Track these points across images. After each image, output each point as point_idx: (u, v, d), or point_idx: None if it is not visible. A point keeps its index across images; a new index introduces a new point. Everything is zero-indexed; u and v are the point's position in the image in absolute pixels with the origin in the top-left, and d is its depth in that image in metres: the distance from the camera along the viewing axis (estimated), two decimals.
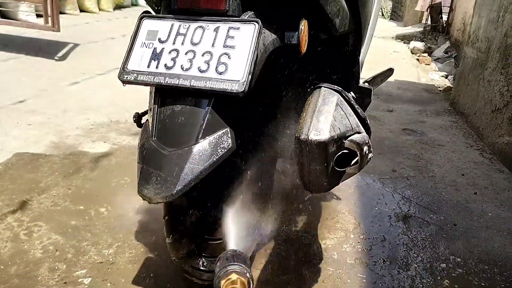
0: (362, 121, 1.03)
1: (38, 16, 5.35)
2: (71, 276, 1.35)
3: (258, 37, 0.84)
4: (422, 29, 8.48)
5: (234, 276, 0.84)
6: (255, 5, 0.92)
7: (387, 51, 6.76)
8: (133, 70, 0.88)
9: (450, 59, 6.33)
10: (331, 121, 0.92)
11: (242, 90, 0.80)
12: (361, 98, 1.57)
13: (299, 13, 0.97)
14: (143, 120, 1.36)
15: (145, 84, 0.87)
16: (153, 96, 0.91)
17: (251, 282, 0.85)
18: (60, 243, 1.51)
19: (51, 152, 2.18)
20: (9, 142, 2.25)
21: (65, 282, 1.32)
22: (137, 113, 1.36)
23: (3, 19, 4.22)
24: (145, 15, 0.93)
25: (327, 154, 0.93)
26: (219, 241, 1.02)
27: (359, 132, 0.99)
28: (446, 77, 5.38)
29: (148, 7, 1.11)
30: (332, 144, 0.91)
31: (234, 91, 0.81)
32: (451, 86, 4.62)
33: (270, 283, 1.39)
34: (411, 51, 7.09)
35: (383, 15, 12.85)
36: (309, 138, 0.89)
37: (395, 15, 12.29)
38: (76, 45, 4.49)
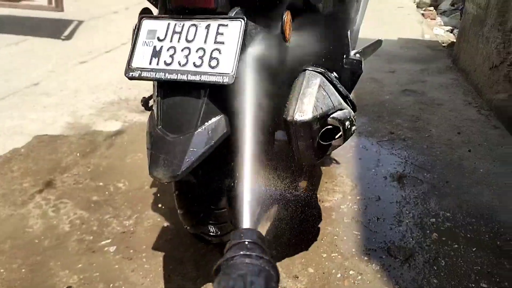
0: (345, 98, 1.15)
1: None
2: (97, 246, 1.53)
3: (244, 32, 0.95)
4: None
5: None
6: (241, 0, 1.02)
7: (391, 6, 6.66)
8: (137, 67, 1.00)
9: (456, 12, 6.23)
10: (314, 102, 1.03)
11: (232, 82, 0.92)
12: (352, 69, 1.67)
13: (283, 4, 1.07)
14: (151, 103, 1.49)
15: (148, 79, 0.99)
16: (156, 89, 1.03)
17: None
18: (85, 217, 1.68)
19: (68, 133, 2.34)
20: (28, 125, 2.41)
21: (93, 251, 1.51)
22: (144, 97, 1.50)
23: (5, 2, 4.28)
24: (144, 16, 1.04)
25: (312, 131, 1.05)
26: (223, 210, 1.17)
27: (341, 109, 1.11)
28: (451, 32, 5.33)
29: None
30: (315, 122, 1.04)
31: (225, 83, 0.93)
32: (455, 41, 4.61)
33: (272, 243, 1.55)
34: (416, 5, 6.97)
35: None
36: (294, 119, 1.02)
37: None
38: (80, 22, 4.56)
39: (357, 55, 1.73)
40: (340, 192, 1.87)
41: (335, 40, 1.48)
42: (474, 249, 1.54)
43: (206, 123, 0.97)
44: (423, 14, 6.32)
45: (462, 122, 2.64)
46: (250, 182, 0.89)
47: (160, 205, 1.75)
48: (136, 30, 1.03)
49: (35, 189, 1.85)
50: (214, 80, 0.93)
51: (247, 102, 0.97)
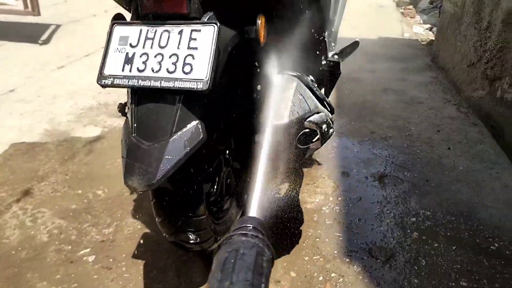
0: (321, 101, 1.14)
1: None
2: (76, 256, 1.50)
3: (217, 37, 0.94)
4: None
5: None
6: (214, 5, 1.00)
7: (371, 5, 6.73)
8: (109, 75, 0.98)
9: (435, 10, 6.31)
10: (291, 106, 1.03)
11: (207, 88, 0.91)
12: (331, 70, 1.67)
13: (256, 8, 1.06)
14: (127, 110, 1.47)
15: (121, 87, 0.97)
16: (130, 96, 1.01)
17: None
18: (64, 226, 1.65)
19: (45, 140, 2.29)
20: (5, 133, 2.35)
21: (72, 262, 1.48)
22: (121, 103, 1.47)
23: None
24: (116, 22, 1.02)
25: (289, 135, 1.04)
26: (202, 217, 1.16)
27: (318, 112, 1.10)
28: (430, 30, 5.40)
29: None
30: (292, 126, 1.03)
31: (200, 89, 0.91)
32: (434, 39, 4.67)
33: None
34: (396, 4, 7.05)
35: None
36: (271, 123, 1.01)
37: None
38: (58, 26, 4.49)
39: (335, 56, 1.74)
40: (321, 193, 1.87)
41: (312, 42, 1.48)
42: (454, 248, 1.56)
43: (181, 130, 0.95)
44: (402, 13, 6.39)
45: (441, 120, 2.67)
46: (261, 177, 1.00)
47: (140, 213, 1.72)
48: (108, 36, 1.01)
49: (12, 198, 1.81)
50: (188, 86, 0.92)
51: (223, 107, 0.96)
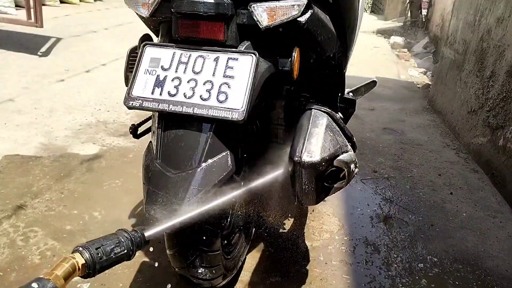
0: (349, 139, 1.12)
1: (18, 7, 5.26)
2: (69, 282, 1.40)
3: (255, 68, 0.91)
4: (402, 23, 8.63)
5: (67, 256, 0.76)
6: (251, 34, 0.98)
7: (367, 46, 6.88)
8: (138, 97, 0.94)
9: (429, 55, 6.49)
10: (322, 143, 0.99)
11: (242, 118, 0.87)
12: (345, 108, 1.66)
13: (292, 40, 1.04)
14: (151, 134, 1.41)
15: (150, 110, 0.93)
16: (156, 120, 0.96)
17: (83, 261, 0.75)
18: (57, 248, 1.56)
19: (41, 154, 2.21)
20: None
21: None
22: (133, 124, 1.42)
23: None
24: (148, 42, 0.98)
25: (318, 173, 1.01)
26: (217, 252, 1.09)
27: (346, 151, 1.07)
28: (424, 74, 5.53)
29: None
30: (323, 164, 0.99)
31: (235, 119, 0.88)
32: (429, 83, 4.77)
33: (259, 285, 1.47)
34: (391, 46, 7.24)
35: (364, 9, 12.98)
36: (302, 160, 0.97)
37: (376, 8, 12.44)
38: (58, 39, 4.44)
39: (350, 94, 1.73)
40: (327, 231, 1.82)
41: (333, 79, 1.47)
42: None
43: (210, 160, 0.91)
44: (397, 55, 6.55)
45: (442, 164, 2.67)
46: None
47: None
48: (138, 57, 0.97)
49: (3, 214, 1.71)
50: (223, 116, 0.88)
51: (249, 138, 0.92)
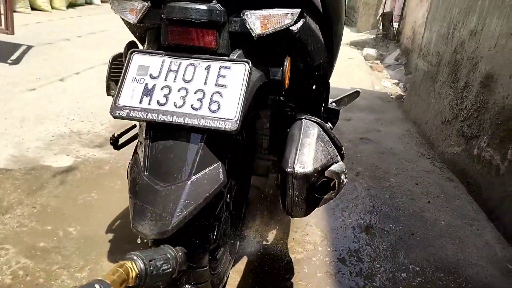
0: (339, 149, 1.10)
1: None
2: None
3: (248, 77, 0.88)
4: (374, 36, 8.84)
5: (121, 263, 0.76)
6: (243, 42, 0.96)
7: (342, 58, 6.99)
8: (125, 106, 0.89)
9: (401, 67, 6.66)
10: (314, 153, 0.98)
11: (236, 128, 0.84)
12: (329, 118, 1.66)
13: (283, 49, 1.03)
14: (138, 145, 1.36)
15: (138, 120, 0.89)
16: (143, 131, 0.92)
17: (141, 268, 0.75)
18: (30, 267, 1.47)
19: (12, 167, 2.10)
20: None
21: None
22: (114, 135, 1.37)
23: None
24: (135, 50, 0.94)
25: (309, 184, 0.99)
26: (204, 269, 1.05)
27: (336, 161, 1.06)
28: (397, 85, 5.66)
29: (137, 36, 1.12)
30: (315, 174, 0.97)
31: (228, 129, 0.85)
32: (402, 94, 4.88)
33: None
34: (364, 58, 7.38)
35: None
36: (295, 171, 0.95)
37: (349, 21, 12.70)
38: (29, 47, 4.30)
39: (333, 104, 1.73)
40: (310, 242, 1.80)
41: (319, 88, 1.47)
42: None
43: (201, 172, 0.87)
44: (371, 67, 6.69)
45: (418, 173, 2.71)
46: None
47: (118, 255, 1.57)
48: (125, 64, 0.93)
49: None
50: (215, 126, 0.85)
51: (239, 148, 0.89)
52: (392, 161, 2.86)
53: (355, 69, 6.21)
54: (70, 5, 8.00)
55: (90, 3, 9.10)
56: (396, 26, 8.14)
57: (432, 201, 2.34)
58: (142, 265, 0.73)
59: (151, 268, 0.74)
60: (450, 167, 2.79)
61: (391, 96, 4.90)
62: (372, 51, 7.43)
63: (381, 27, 8.79)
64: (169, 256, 0.80)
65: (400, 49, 7.42)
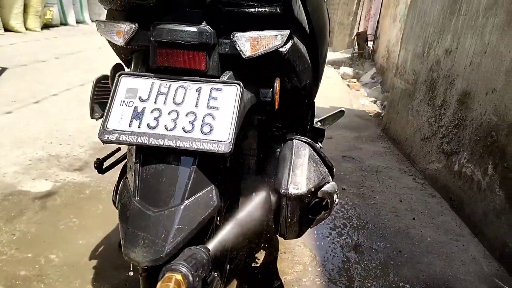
0: (330, 169, 1.10)
1: None
2: None
3: (240, 98, 0.88)
4: (350, 55, 9.04)
5: (169, 275, 0.73)
6: (233, 64, 0.96)
7: None
8: (114, 130, 0.87)
9: (377, 85, 6.81)
10: (307, 174, 0.97)
11: (229, 150, 0.83)
12: (315, 137, 1.66)
13: (272, 70, 1.03)
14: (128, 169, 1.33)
15: (128, 144, 0.86)
16: (133, 155, 0.90)
17: (190, 279, 0.73)
18: None
19: None
20: None
21: None
22: (98, 159, 1.33)
23: None
24: (123, 72, 0.93)
25: (303, 205, 0.98)
26: None
27: (328, 181, 1.06)
28: (374, 102, 5.77)
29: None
30: (308, 195, 0.97)
31: (221, 152, 0.83)
32: (380, 111, 4.97)
33: None
34: (341, 76, 7.52)
35: None
36: (289, 192, 0.94)
37: None
38: (4, 69, 4.21)
39: (319, 123, 1.74)
40: (300, 263, 1.78)
41: (304, 108, 1.47)
42: None
43: (194, 196, 0.85)
44: (348, 85, 6.81)
45: (401, 190, 2.74)
46: None
47: (102, 283, 1.52)
48: (113, 87, 0.91)
49: None
50: (208, 148, 0.84)
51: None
52: (375, 178, 2.88)
53: (333, 88, 6.31)
54: (45, 26, 7.91)
55: (66, 24, 9.01)
56: (371, 45, 8.35)
57: (416, 218, 2.36)
58: (191, 278, 0.70)
59: (197, 279, 0.71)
60: (432, 183, 2.83)
61: (370, 114, 4.98)
62: (348, 70, 7.59)
63: (356, 46, 9.00)
64: (205, 261, 0.77)
65: (376, 68, 7.59)
